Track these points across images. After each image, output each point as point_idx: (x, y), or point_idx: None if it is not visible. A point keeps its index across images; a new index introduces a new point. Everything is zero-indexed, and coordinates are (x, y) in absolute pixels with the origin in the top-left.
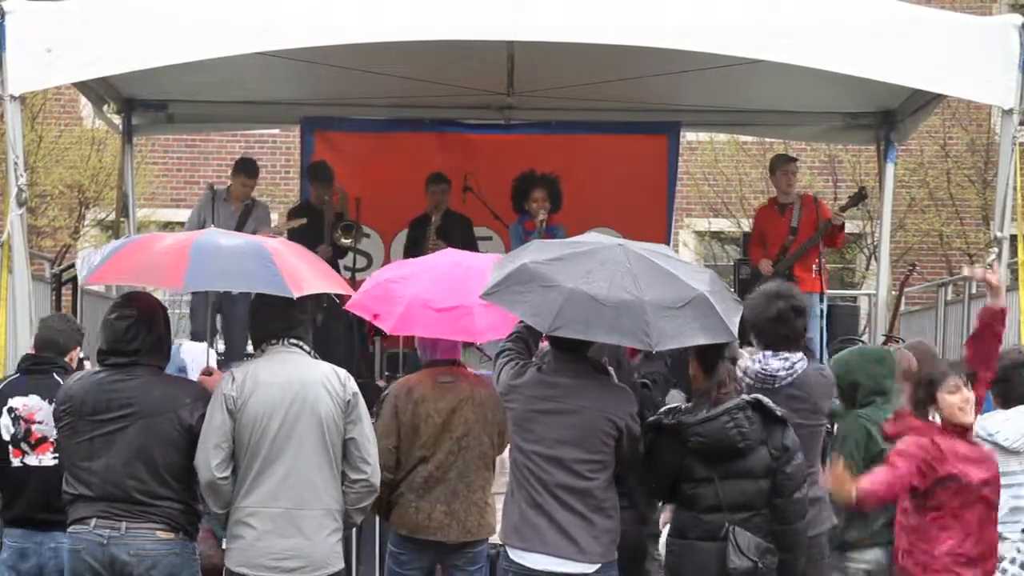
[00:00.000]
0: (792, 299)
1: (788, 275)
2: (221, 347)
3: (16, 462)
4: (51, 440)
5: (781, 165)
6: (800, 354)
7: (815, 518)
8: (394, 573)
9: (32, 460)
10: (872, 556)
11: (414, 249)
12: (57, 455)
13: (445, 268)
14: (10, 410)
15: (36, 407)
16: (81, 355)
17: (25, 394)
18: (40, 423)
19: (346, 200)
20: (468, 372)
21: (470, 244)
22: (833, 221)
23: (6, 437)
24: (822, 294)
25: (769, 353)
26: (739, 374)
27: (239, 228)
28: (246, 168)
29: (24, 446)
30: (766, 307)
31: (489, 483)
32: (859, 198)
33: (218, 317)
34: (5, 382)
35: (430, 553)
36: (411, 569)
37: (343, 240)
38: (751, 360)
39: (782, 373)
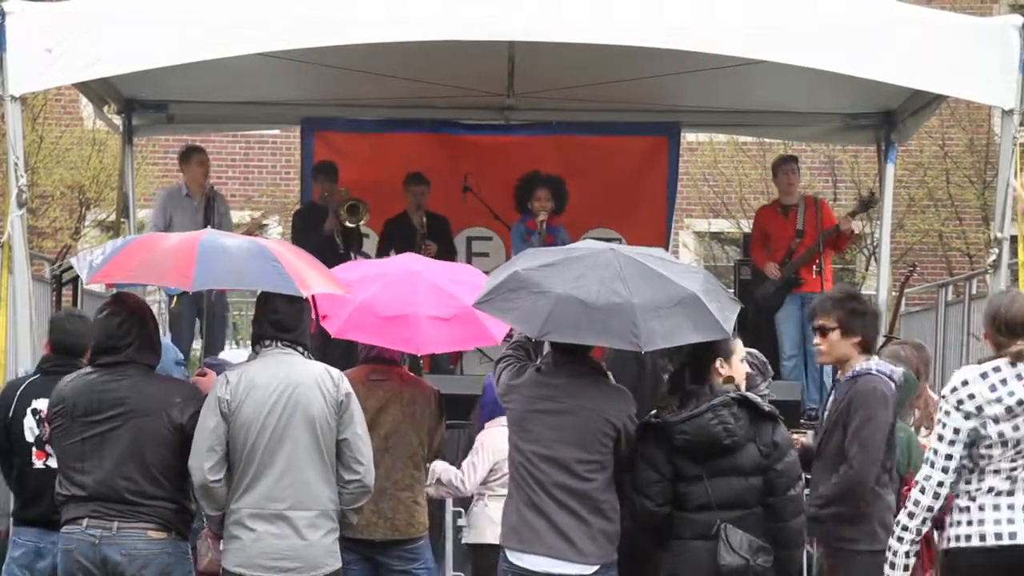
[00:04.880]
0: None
1: (795, 278)
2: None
3: (39, 464)
4: None
5: (782, 165)
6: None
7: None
8: None
9: (55, 463)
10: None
11: (400, 251)
12: None
13: (396, 276)
14: (34, 411)
15: None
16: None
17: (49, 396)
18: None
19: (347, 198)
20: (401, 371)
21: (450, 244)
22: (841, 228)
23: (30, 438)
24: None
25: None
26: (885, 378)
27: (205, 224)
28: (197, 149)
29: (49, 449)
30: (861, 303)
31: (419, 482)
32: (868, 203)
33: (196, 320)
34: (27, 383)
35: (360, 551)
36: (348, 564)
37: (348, 222)
38: (885, 364)
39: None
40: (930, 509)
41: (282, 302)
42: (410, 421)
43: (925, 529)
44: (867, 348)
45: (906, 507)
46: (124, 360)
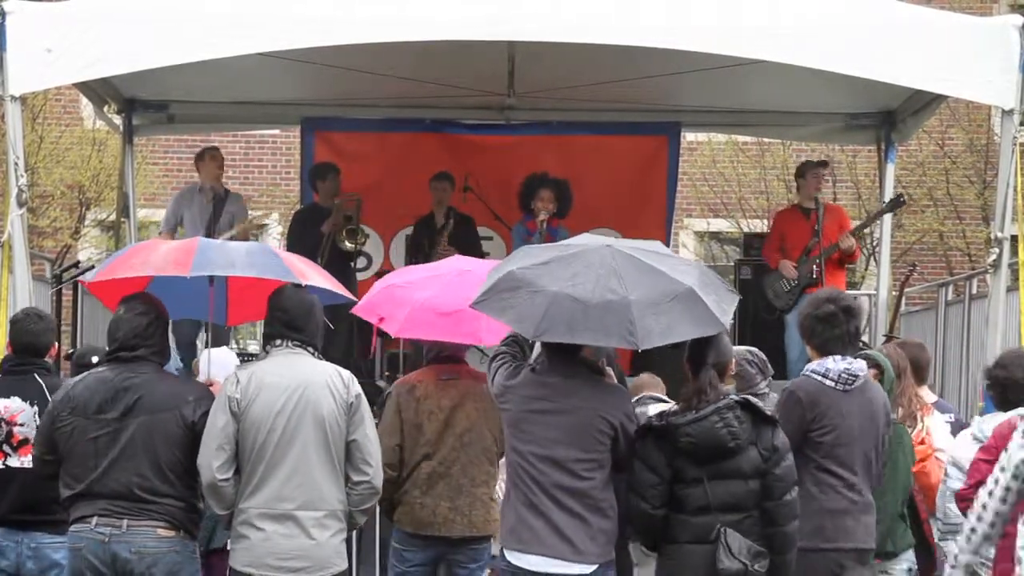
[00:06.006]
0: (841, 301)
1: (811, 277)
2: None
3: None
4: (32, 443)
5: (812, 169)
6: (861, 361)
7: None
8: (396, 570)
9: (15, 462)
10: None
11: (421, 252)
12: None
13: (451, 276)
14: None
15: (18, 409)
16: (69, 351)
17: (7, 396)
18: (21, 425)
19: (359, 208)
20: (471, 369)
21: (476, 244)
22: (842, 246)
23: None
24: None
25: (838, 357)
26: (818, 378)
27: (214, 219)
28: (211, 147)
29: (6, 448)
30: (815, 308)
31: (493, 478)
32: (897, 204)
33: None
34: None
35: (435, 549)
36: (414, 565)
37: (347, 243)
38: (831, 361)
39: (861, 374)
40: (987, 537)
41: (291, 301)
42: (484, 418)
43: (981, 553)
44: (820, 350)
45: (962, 531)
46: (140, 355)
